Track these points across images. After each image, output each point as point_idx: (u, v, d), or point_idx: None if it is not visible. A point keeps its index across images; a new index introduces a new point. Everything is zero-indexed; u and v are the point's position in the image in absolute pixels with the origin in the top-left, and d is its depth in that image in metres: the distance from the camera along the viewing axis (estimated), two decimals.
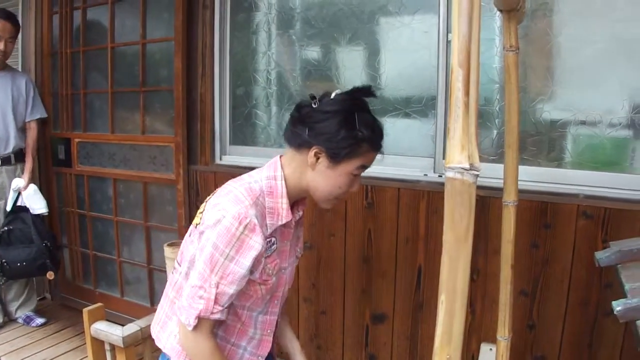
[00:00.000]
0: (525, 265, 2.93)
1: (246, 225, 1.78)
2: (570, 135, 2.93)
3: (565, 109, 2.92)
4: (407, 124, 3.32)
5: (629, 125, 2.80)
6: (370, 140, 1.89)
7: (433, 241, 3.12)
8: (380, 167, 3.23)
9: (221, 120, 3.88)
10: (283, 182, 1.92)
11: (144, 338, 3.34)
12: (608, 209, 2.72)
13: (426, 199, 3.09)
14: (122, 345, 3.19)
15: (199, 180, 3.86)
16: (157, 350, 3.58)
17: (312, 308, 3.61)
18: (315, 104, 1.88)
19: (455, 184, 1.04)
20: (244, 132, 3.90)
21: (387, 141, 3.27)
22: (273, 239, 1.97)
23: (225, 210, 1.79)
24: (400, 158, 3.29)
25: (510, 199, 2.30)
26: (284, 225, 1.98)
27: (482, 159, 2.80)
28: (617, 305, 1.67)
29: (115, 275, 4.80)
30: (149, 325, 3.33)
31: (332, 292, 3.51)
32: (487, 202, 2.55)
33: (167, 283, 2.16)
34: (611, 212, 2.72)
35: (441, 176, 3.17)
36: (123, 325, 3.29)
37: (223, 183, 3.48)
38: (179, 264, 2.06)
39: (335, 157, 1.86)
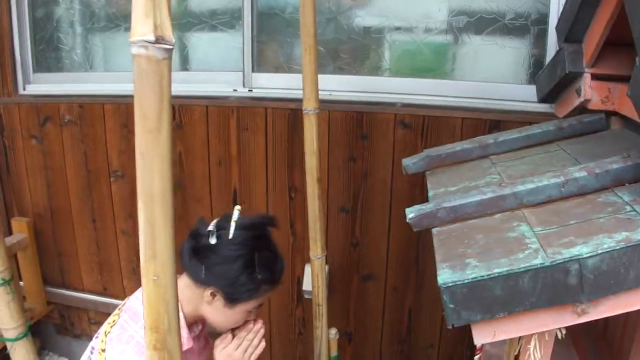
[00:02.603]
0: (343, 181, 2.83)
1: None
2: (386, 42, 2.81)
3: (380, 15, 2.79)
4: (213, 37, 3.12)
5: (447, 30, 2.71)
6: (270, 281, 1.89)
7: (246, 161, 2.97)
8: (187, 85, 3.09)
9: (22, 47, 3.53)
10: (181, 313, 1.84)
11: None
12: (427, 116, 2.64)
13: (236, 116, 2.91)
14: None
15: (3, 114, 3.53)
16: None
17: (130, 240, 3.44)
18: (212, 238, 1.81)
19: (140, 62, 0.85)
20: (48, 58, 3.59)
21: (194, 57, 3.13)
22: None
23: None
24: (207, 74, 3.10)
25: (310, 106, 2.14)
26: (187, 350, 1.91)
27: (294, 70, 2.67)
28: (410, 212, 1.52)
29: None
30: None
31: None
32: (299, 115, 2.38)
33: None
34: (430, 120, 2.64)
35: (251, 90, 3.00)
36: None
37: (28, 116, 3.25)
38: None
39: (233, 301, 1.85)
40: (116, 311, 1.98)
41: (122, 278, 3.54)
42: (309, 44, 2.06)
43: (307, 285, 2.84)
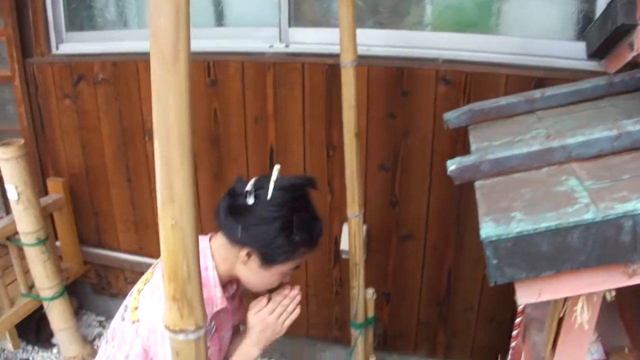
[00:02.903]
0: (383, 137, 2.78)
1: None
2: None
3: None
4: None
5: None
6: (307, 243, 1.86)
7: (282, 118, 2.92)
8: (222, 41, 3.02)
9: (54, 6, 3.48)
10: (215, 272, 1.88)
11: None
12: (470, 73, 2.57)
13: (272, 72, 2.85)
14: None
15: (37, 74, 3.51)
16: (4, 257, 3.35)
17: None
18: (250, 198, 1.78)
19: None
20: (80, 16, 3.54)
21: (229, 12, 3.10)
22: (212, 323, 1.93)
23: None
24: (243, 29, 3.03)
25: (348, 59, 2.10)
26: (221, 309, 1.93)
27: (332, 24, 2.61)
28: (451, 165, 1.46)
29: None
30: None
31: None
32: (337, 71, 2.33)
33: (101, 350, 2.08)
34: (473, 77, 2.57)
35: (288, 46, 2.93)
36: None
37: (62, 75, 3.25)
38: (111, 339, 1.99)
39: (269, 262, 1.83)
40: (150, 269, 1.98)
41: (158, 237, 3.48)
42: None
43: (344, 244, 2.80)
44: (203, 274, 1.78)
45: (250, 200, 1.77)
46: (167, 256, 0.95)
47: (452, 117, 1.97)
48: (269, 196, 1.76)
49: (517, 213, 1.14)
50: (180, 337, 1.02)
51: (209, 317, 1.87)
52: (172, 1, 0.78)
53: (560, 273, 1.09)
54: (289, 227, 1.77)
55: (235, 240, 1.82)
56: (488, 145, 1.64)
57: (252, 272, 1.87)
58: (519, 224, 1.08)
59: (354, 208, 2.33)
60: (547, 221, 1.06)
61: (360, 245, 2.38)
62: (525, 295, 1.14)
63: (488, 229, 1.10)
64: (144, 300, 1.82)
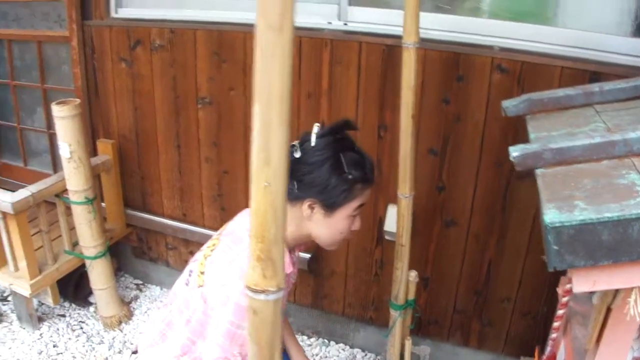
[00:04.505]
0: (435, 122, 2.77)
1: None
2: None
3: None
4: None
5: None
6: (361, 179, 1.88)
7: (336, 96, 2.92)
8: None
9: None
10: None
11: (37, 204, 3.16)
12: (525, 62, 2.55)
13: (329, 49, 2.85)
14: (12, 212, 3.02)
15: (94, 37, 3.54)
16: (50, 212, 3.39)
17: (213, 168, 3.43)
18: (297, 152, 1.82)
19: None
20: None
21: None
22: None
23: (233, 286, 1.78)
24: (302, 5, 2.99)
25: (410, 40, 2.09)
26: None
27: (392, 5, 2.60)
28: (514, 151, 1.48)
29: (17, 144, 4.53)
30: (42, 191, 3.14)
31: (234, 150, 3.32)
32: (394, 52, 2.33)
33: (156, 314, 2.18)
34: (528, 67, 2.55)
35: (346, 24, 2.91)
36: None
37: (119, 39, 3.30)
38: (170, 303, 2.07)
39: (331, 206, 1.86)
40: (215, 236, 2.02)
41: (202, 205, 3.56)
42: None
43: (388, 226, 2.81)
44: None
45: (298, 154, 1.81)
46: (256, 217, 0.96)
47: (511, 105, 1.98)
48: (312, 143, 1.80)
49: (580, 202, 1.16)
50: (261, 297, 1.04)
51: None
52: None
53: (618, 263, 1.11)
54: (339, 167, 1.81)
55: (294, 198, 1.86)
56: (547, 135, 1.65)
57: (320, 225, 1.90)
58: (582, 213, 1.10)
59: (404, 189, 2.34)
60: (610, 212, 1.08)
61: (408, 226, 2.39)
62: (581, 284, 1.16)
63: (552, 215, 1.12)
64: (211, 265, 1.87)
